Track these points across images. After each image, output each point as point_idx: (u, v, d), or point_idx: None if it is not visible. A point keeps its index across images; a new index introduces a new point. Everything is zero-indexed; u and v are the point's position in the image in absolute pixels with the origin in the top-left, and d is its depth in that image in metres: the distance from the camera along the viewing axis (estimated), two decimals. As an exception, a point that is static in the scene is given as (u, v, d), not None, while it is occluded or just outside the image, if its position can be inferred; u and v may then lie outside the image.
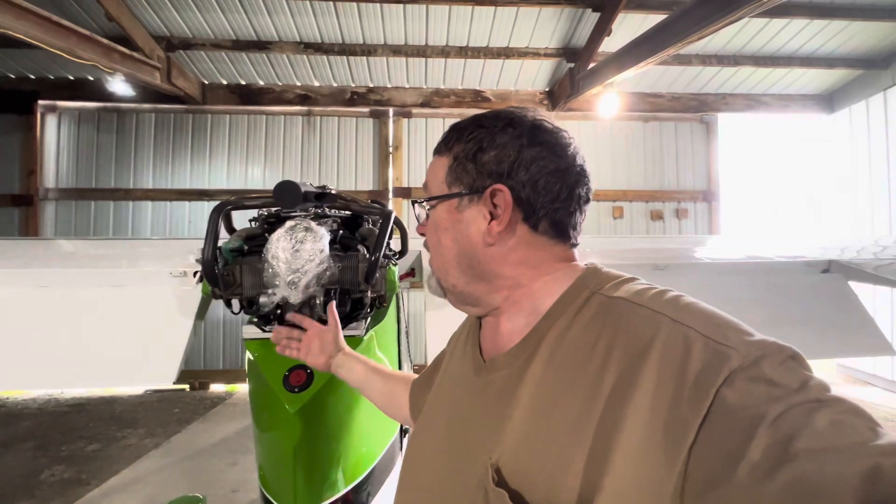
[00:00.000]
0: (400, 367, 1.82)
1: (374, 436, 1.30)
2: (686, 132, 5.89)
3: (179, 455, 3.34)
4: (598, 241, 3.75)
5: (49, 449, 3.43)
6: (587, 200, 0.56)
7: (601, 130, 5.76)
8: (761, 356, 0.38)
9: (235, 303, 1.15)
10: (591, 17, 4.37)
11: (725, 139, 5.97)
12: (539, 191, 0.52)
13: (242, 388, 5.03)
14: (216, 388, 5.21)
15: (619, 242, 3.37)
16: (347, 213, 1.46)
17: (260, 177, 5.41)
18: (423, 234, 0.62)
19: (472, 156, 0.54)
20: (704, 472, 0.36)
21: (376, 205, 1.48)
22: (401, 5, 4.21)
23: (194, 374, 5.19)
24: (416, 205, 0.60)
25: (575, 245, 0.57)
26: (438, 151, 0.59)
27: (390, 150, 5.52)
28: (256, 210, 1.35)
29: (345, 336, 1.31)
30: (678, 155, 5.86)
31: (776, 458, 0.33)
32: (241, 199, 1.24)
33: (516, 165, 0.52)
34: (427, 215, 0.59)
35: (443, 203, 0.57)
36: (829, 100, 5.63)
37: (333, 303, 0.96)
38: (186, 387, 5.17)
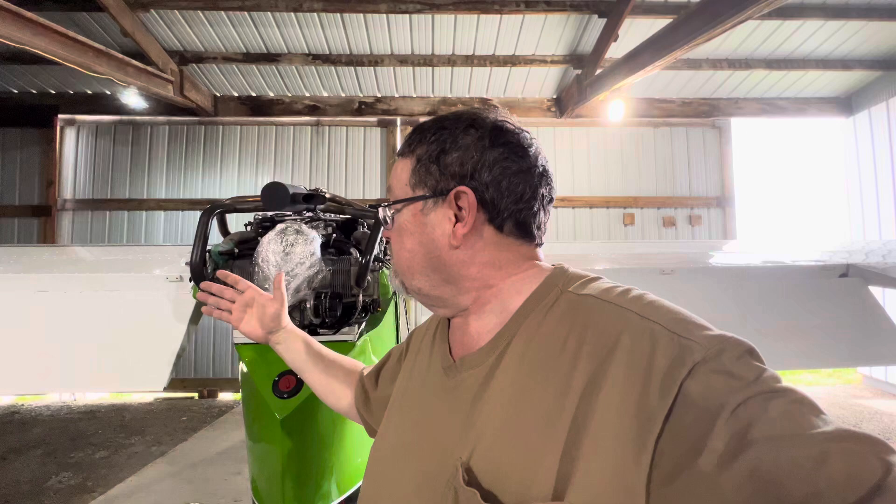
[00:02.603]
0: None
1: (370, 445, 1.26)
2: (698, 137, 5.79)
3: (184, 463, 3.34)
4: (610, 244, 3.69)
5: (57, 455, 3.47)
6: (550, 200, 0.57)
7: (611, 137, 5.69)
8: (721, 349, 0.40)
9: None
10: (598, 24, 4.35)
11: (740, 144, 5.85)
12: (503, 191, 0.53)
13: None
14: (224, 396, 5.23)
15: (629, 247, 3.30)
16: (344, 216, 1.45)
17: (270, 186, 5.50)
18: (389, 239, 0.61)
19: (434, 157, 0.54)
20: (670, 461, 0.37)
21: (372, 208, 1.46)
22: (406, 15, 4.25)
23: (203, 382, 5.22)
24: (379, 209, 0.60)
25: (540, 245, 0.57)
26: (402, 153, 0.58)
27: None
28: (252, 214, 1.35)
29: (336, 341, 1.29)
30: (690, 160, 5.76)
31: (736, 446, 0.35)
32: (231, 201, 1.23)
33: (479, 167, 0.52)
34: (392, 219, 0.58)
35: (407, 206, 0.56)
36: (848, 102, 5.48)
37: (282, 273, 0.91)
38: (195, 395, 5.20)
